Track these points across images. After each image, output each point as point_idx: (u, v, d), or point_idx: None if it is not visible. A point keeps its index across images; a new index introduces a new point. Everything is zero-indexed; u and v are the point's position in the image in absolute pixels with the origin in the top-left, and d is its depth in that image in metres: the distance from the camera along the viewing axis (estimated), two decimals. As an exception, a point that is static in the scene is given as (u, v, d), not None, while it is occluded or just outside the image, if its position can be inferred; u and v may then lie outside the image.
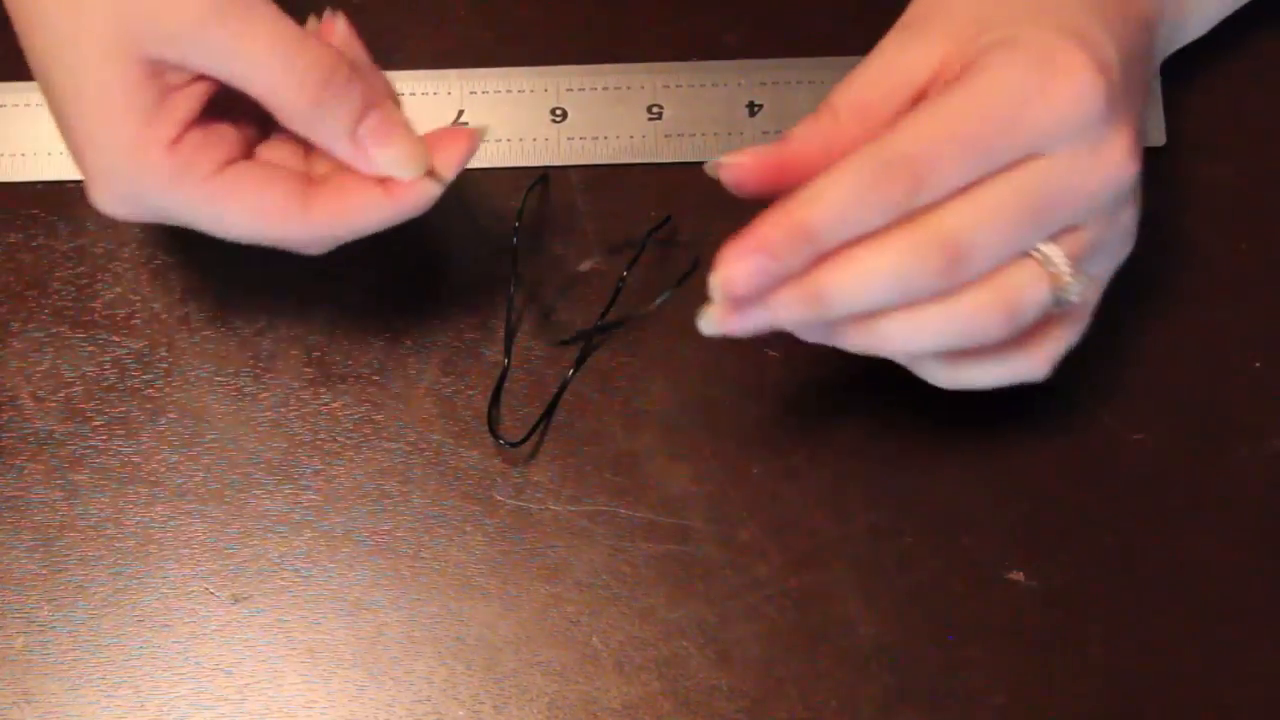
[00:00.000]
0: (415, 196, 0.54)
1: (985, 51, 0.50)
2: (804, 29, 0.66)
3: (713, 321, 0.50)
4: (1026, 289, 0.51)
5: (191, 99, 0.53)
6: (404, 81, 0.64)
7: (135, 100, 0.52)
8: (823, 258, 0.49)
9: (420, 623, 0.60)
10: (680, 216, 0.63)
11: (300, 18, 0.53)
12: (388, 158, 0.53)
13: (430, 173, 0.54)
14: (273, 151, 0.56)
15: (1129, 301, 0.63)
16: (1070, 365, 0.61)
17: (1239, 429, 0.62)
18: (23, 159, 0.64)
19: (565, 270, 0.63)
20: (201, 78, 0.53)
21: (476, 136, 0.55)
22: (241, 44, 0.51)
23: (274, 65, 0.51)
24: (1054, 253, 0.51)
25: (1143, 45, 0.54)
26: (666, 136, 0.64)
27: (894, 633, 0.60)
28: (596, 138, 0.64)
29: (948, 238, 0.49)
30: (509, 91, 0.64)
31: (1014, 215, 0.50)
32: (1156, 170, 0.64)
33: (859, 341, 0.52)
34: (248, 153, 0.55)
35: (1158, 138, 0.64)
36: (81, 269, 0.63)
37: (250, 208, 0.53)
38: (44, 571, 0.60)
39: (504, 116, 0.64)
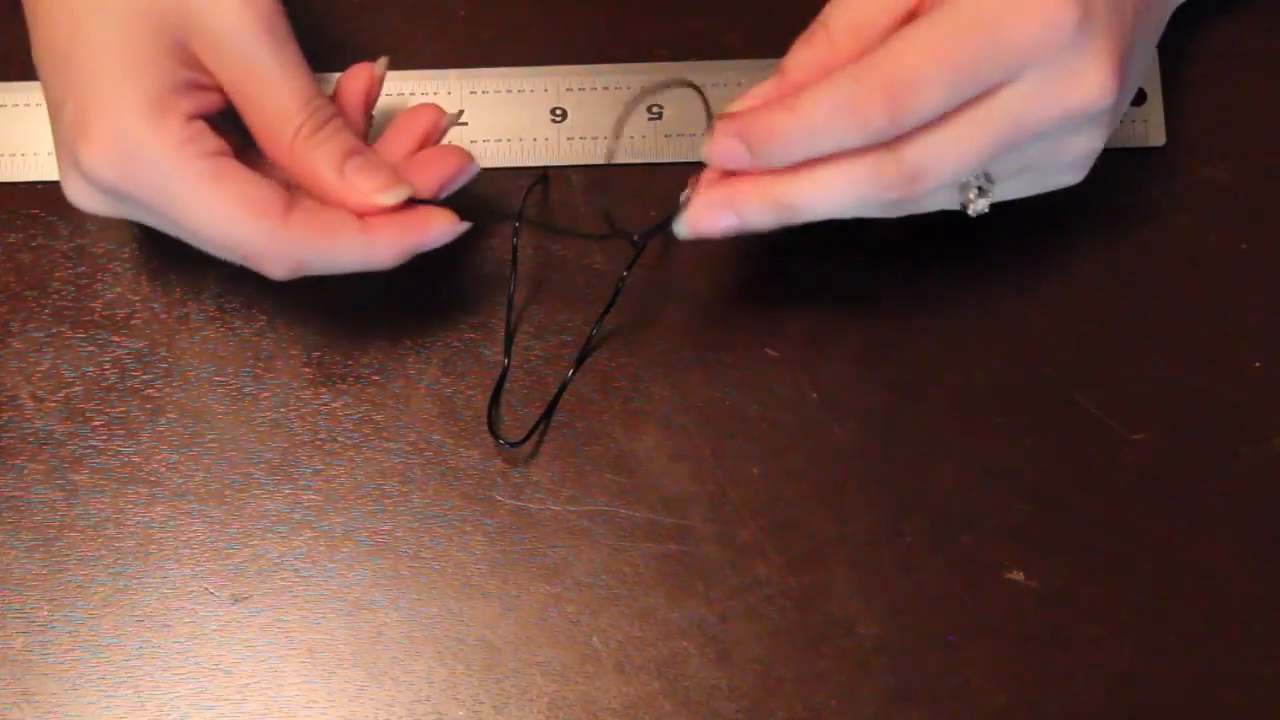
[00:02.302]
0: (391, 232, 0.55)
1: None
2: (804, 29, 0.65)
3: (685, 224, 0.55)
4: (941, 198, 0.54)
5: (207, 100, 0.55)
6: (405, 82, 0.64)
7: (166, 71, 0.54)
8: (797, 166, 0.53)
9: (420, 623, 0.60)
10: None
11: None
12: (372, 184, 0.55)
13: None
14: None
15: (1129, 301, 0.63)
16: (1070, 365, 0.61)
17: (1239, 429, 0.62)
18: (23, 159, 0.64)
19: (565, 270, 0.63)
20: (209, 91, 0.55)
21: (467, 159, 0.58)
22: (272, 61, 0.54)
23: (292, 91, 0.54)
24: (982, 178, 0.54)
25: None
26: (667, 136, 0.64)
27: (894, 633, 0.60)
28: (596, 137, 0.64)
29: (915, 169, 0.52)
30: (509, 91, 0.64)
31: (981, 147, 0.52)
32: (1156, 170, 0.64)
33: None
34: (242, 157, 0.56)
35: (1158, 138, 0.64)
36: (81, 269, 0.63)
37: (235, 198, 0.54)
38: (44, 571, 0.60)
39: (504, 116, 0.64)
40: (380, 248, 0.55)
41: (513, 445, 0.61)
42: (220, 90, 0.55)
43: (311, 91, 0.55)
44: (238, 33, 0.54)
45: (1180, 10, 0.60)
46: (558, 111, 0.64)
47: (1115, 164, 0.59)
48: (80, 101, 0.53)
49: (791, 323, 0.63)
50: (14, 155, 0.64)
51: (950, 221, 0.56)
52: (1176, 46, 0.65)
